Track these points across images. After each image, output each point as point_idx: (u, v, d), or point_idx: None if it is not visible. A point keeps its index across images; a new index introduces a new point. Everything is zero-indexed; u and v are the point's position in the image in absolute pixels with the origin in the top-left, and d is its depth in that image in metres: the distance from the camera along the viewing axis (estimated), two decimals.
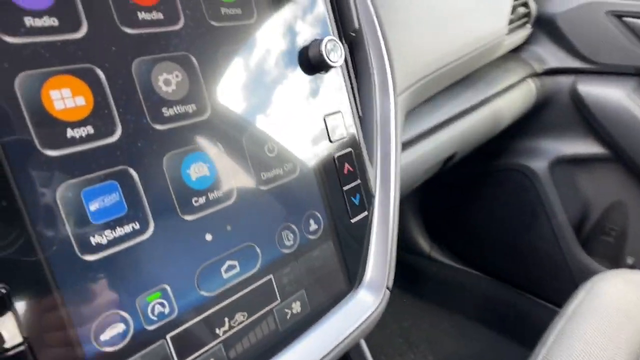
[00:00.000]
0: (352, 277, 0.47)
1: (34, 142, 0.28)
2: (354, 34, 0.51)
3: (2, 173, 0.27)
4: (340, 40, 0.50)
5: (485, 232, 1.43)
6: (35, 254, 0.28)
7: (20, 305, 0.27)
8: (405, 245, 1.57)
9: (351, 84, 0.50)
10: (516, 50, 1.17)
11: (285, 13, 0.43)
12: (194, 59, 0.36)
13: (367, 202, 0.48)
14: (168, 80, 0.34)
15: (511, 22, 1.00)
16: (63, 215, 0.29)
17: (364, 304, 0.45)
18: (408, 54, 0.59)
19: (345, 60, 0.50)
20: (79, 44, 0.30)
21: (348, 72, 0.50)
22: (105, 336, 0.30)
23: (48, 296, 0.28)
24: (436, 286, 1.54)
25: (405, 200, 1.54)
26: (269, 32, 0.41)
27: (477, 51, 0.79)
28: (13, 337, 0.27)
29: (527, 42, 1.19)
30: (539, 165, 1.27)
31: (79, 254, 0.29)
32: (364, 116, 0.52)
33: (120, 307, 0.31)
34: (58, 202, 0.29)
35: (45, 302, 0.28)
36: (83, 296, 0.30)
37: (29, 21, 0.28)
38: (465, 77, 0.92)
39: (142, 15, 0.33)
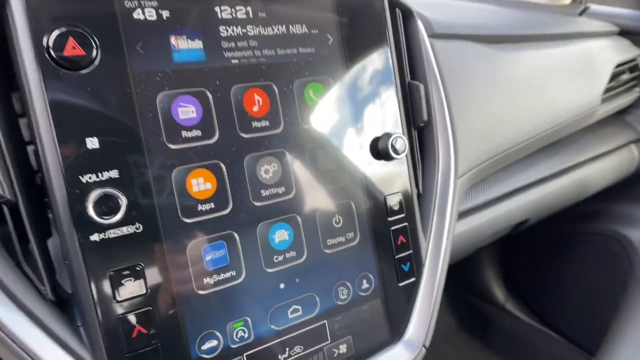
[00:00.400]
0: (395, 331, 0.57)
1: (178, 212, 0.43)
2: (422, 124, 0.61)
3: (158, 235, 0.42)
4: (410, 130, 0.61)
5: (566, 294, 1.42)
6: (170, 291, 0.42)
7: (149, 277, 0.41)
8: (479, 292, 1.59)
9: (414, 167, 0.61)
10: (621, 112, 1.16)
11: (364, 110, 0.55)
12: (287, 154, 0.49)
13: (416, 269, 0.58)
14: (267, 170, 0.48)
15: (611, 89, 1.01)
16: (189, 263, 0.43)
17: (399, 356, 0.55)
18: (477, 139, 0.68)
19: (413, 146, 0.61)
20: (212, 146, 0.45)
21: (413, 157, 0.61)
22: (204, 347, 0.44)
23: (173, 310, 0.43)
24: (506, 338, 1.54)
25: (485, 248, 1.57)
26: (347, 128, 0.53)
27: (556, 127, 0.84)
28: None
29: (634, 104, 1.18)
30: (637, 234, 1.23)
31: (196, 289, 0.44)
32: (424, 194, 0.62)
33: (216, 329, 0.45)
34: (187, 255, 0.43)
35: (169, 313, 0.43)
36: (194, 315, 0.44)
37: (184, 133, 0.44)
38: (550, 144, 0.97)
39: (254, 124, 0.48)
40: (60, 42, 0.38)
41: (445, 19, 0.72)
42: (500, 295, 1.58)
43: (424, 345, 0.57)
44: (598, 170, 1.04)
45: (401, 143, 0.54)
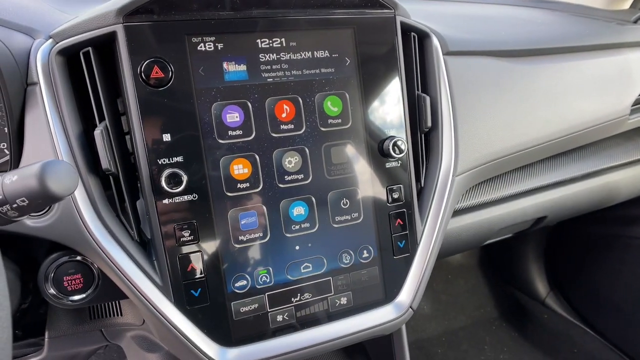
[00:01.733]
0: (388, 294, 0.71)
1: (223, 188, 0.61)
2: (427, 130, 0.74)
3: (209, 202, 0.60)
4: (415, 134, 0.74)
5: (608, 295, 1.45)
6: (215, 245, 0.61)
7: (201, 231, 0.60)
8: (521, 286, 1.66)
9: (419, 164, 0.74)
10: None
11: (371, 119, 0.69)
12: (306, 149, 0.65)
13: (410, 246, 0.72)
14: (290, 161, 0.65)
15: None
16: (229, 224, 0.61)
17: (389, 314, 0.70)
18: (480, 143, 0.79)
19: (417, 147, 0.74)
20: (250, 142, 0.62)
21: (417, 156, 0.74)
22: (237, 284, 0.62)
23: (216, 255, 0.61)
24: (544, 332, 1.59)
25: (529, 244, 1.63)
26: (358, 132, 0.68)
27: (573, 135, 0.92)
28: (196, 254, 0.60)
29: None
30: None
31: (232, 242, 0.62)
32: (425, 187, 0.75)
33: (246, 272, 0.63)
34: (228, 218, 0.61)
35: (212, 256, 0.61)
36: (230, 260, 0.62)
37: (230, 132, 0.61)
38: (577, 148, 1.04)
39: (282, 126, 0.64)
40: (148, 68, 0.57)
41: (464, 36, 0.84)
42: (542, 291, 1.63)
43: (411, 307, 0.71)
44: (630, 177, 1.08)
45: (401, 145, 0.68)
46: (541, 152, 0.91)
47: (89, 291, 0.64)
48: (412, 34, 0.74)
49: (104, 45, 0.58)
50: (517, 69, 0.88)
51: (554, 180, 1.00)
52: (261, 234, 0.64)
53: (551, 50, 0.94)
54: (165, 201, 0.58)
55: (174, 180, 0.57)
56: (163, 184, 0.57)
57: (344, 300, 0.69)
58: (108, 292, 0.65)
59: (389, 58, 0.69)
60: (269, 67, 0.63)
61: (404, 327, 0.83)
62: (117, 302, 0.77)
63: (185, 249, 0.59)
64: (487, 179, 0.89)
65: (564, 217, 1.08)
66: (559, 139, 0.90)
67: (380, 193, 0.70)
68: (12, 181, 0.42)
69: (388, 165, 0.70)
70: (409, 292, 0.71)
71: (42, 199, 0.42)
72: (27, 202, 0.42)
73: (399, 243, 0.71)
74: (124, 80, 0.57)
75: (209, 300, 0.61)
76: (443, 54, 0.78)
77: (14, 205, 0.43)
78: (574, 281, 1.56)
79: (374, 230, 0.70)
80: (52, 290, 0.62)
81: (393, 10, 0.69)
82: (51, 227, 0.58)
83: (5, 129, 0.71)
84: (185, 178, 0.57)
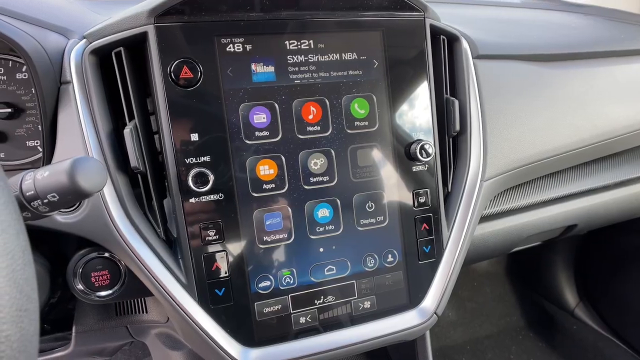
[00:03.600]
0: (413, 299, 0.70)
1: (249, 189, 0.61)
2: (455, 134, 0.73)
3: (234, 202, 0.60)
4: (443, 138, 0.73)
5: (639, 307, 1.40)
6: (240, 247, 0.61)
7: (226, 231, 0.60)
8: (549, 295, 1.62)
9: (446, 168, 0.73)
10: None
11: (398, 122, 0.68)
12: (332, 151, 0.65)
13: (436, 252, 0.71)
14: (316, 163, 0.64)
15: None
16: (254, 224, 0.61)
17: (413, 319, 0.69)
18: (509, 148, 0.78)
19: (445, 151, 0.73)
20: (276, 143, 0.62)
21: (445, 160, 0.73)
22: (260, 284, 0.62)
23: (240, 255, 0.61)
24: (573, 344, 1.55)
25: (558, 254, 1.58)
26: (385, 134, 0.67)
27: (607, 141, 0.89)
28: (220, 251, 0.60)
29: None
30: None
31: (257, 243, 0.62)
32: (452, 192, 0.74)
33: (269, 273, 0.63)
34: (253, 218, 0.61)
35: (238, 255, 0.61)
36: (254, 261, 0.62)
37: (257, 133, 0.61)
38: (610, 155, 1.01)
39: (309, 128, 0.64)
40: (178, 69, 0.57)
41: (494, 39, 0.82)
42: (571, 301, 1.58)
43: (435, 313, 0.70)
44: None
45: (428, 149, 0.67)
46: (572, 159, 0.88)
47: (115, 287, 0.65)
48: (442, 37, 0.73)
49: (135, 45, 0.59)
50: (548, 73, 0.85)
51: (586, 188, 0.97)
52: (286, 235, 0.63)
53: (583, 55, 0.91)
54: (192, 200, 0.59)
55: (201, 179, 0.57)
56: (190, 183, 0.57)
57: (367, 304, 0.68)
58: (134, 289, 0.65)
59: (417, 61, 0.69)
60: (296, 68, 0.63)
61: (427, 334, 0.81)
62: (142, 299, 0.78)
63: (210, 248, 0.60)
64: (516, 185, 0.87)
65: (595, 226, 1.05)
66: (590, 145, 0.88)
67: (407, 197, 0.69)
68: (43, 177, 0.43)
69: (415, 169, 0.69)
70: (433, 298, 0.70)
71: (71, 195, 0.43)
72: (57, 197, 0.43)
73: (424, 248, 0.70)
74: (154, 80, 0.58)
75: (232, 300, 0.61)
76: (473, 58, 0.77)
77: (45, 201, 0.44)
78: (604, 292, 1.51)
79: (399, 235, 0.69)
80: (80, 286, 0.64)
81: (423, 13, 0.68)
82: (80, 223, 0.60)
83: (40, 127, 0.73)
84: (211, 178, 0.58)
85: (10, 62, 0.71)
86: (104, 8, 0.82)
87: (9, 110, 0.70)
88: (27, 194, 0.43)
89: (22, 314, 0.30)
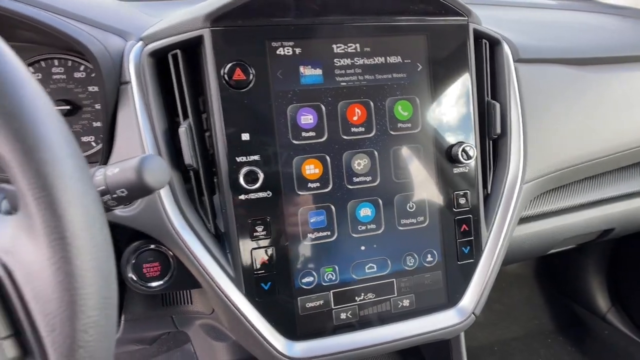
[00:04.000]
0: (451, 298, 0.71)
1: (295, 187, 0.63)
2: (495, 136, 0.74)
3: (281, 200, 0.62)
4: (484, 140, 0.74)
5: None
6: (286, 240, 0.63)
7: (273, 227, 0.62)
8: (580, 299, 1.60)
9: (486, 171, 0.74)
10: None
11: (441, 124, 0.69)
12: (375, 152, 0.67)
13: (475, 253, 0.72)
14: (359, 163, 0.66)
15: None
16: (299, 221, 0.64)
17: (451, 318, 0.70)
18: (549, 151, 0.78)
19: (485, 153, 0.74)
20: (322, 144, 0.64)
21: (485, 162, 0.73)
22: (304, 280, 0.65)
23: (285, 251, 0.63)
24: (604, 349, 1.53)
25: (590, 257, 1.56)
26: (427, 136, 0.69)
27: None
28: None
29: None
30: None
31: (301, 239, 0.64)
32: (492, 194, 0.75)
33: (313, 269, 0.65)
34: (298, 216, 0.64)
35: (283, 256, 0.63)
36: (298, 257, 0.64)
37: (303, 133, 0.63)
38: None
39: (353, 129, 0.66)
40: (231, 71, 0.60)
41: (535, 43, 0.82)
42: (602, 305, 1.56)
43: (473, 313, 0.71)
44: None
45: (470, 151, 0.68)
46: (612, 163, 0.88)
47: (165, 279, 0.68)
48: (484, 40, 0.74)
49: (190, 47, 0.62)
50: (589, 77, 0.85)
51: (625, 192, 0.96)
52: (329, 233, 0.65)
53: (623, 58, 0.91)
54: (242, 197, 0.61)
55: (251, 177, 0.60)
56: (241, 180, 0.59)
57: (406, 303, 0.70)
58: (182, 281, 0.68)
59: (460, 64, 0.70)
60: (343, 71, 0.65)
61: (462, 334, 0.82)
62: (188, 291, 0.82)
63: (258, 244, 0.62)
64: (555, 187, 0.87)
65: (633, 230, 1.04)
66: (631, 149, 0.87)
67: (447, 198, 0.70)
68: (114, 173, 0.46)
69: (456, 170, 0.70)
70: (472, 298, 0.71)
71: (139, 191, 0.46)
72: (125, 193, 0.46)
73: (463, 249, 0.71)
74: (208, 82, 0.60)
75: (277, 294, 0.64)
76: (514, 61, 0.77)
77: (114, 196, 0.46)
78: (637, 297, 1.49)
79: (439, 235, 0.70)
80: (132, 276, 0.67)
81: (466, 18, 0.69)
82: (136, 217, 0.63)
83: (94, 123, 0.76)
84: (261, 176, 0.60)
85: (70, 61, 0.75)
86: (153, 9, 0.85)
87: (68, 107, 0.74)
88: (99, 189, 0.46)
89: (106, 302, 0.33)
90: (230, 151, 0.60)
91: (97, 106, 0.76)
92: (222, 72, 0.60)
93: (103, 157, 0.65)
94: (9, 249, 0.31)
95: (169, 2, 0.94)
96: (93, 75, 0.75)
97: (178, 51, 0.61)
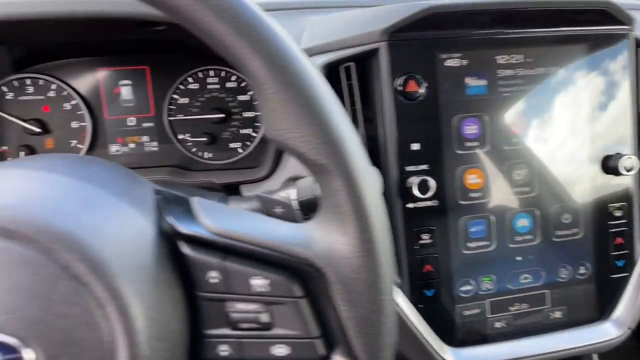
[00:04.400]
0: (603, 312, 0.70)
1: (458, 197, 0.64)
2: None
3: (446, 209, 0.63)
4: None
5: None
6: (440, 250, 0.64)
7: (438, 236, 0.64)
8: None
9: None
10: None
11: (599, 135, 0.68)
12: (535, 162, 0.67)
13: (629, 266, 0.71)
14: (519, 173, 0.66)
15: None
16: (461, 232, 0.65)
17: (606, 332, 0.69)
18: None
19: None
20: (484, 154, 0.65)
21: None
22: (463, 288, 0.66)
23: (448, 260, 0.64)
24: None
25: None
26: (584, 147, 0.68)
27: None
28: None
29: None
30: None
31: (462, 249, 0.65)
32: None
33: (471, 278, 0.66)
34: (460, 225, 0.64)
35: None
36: (459, 265, 0.65)
37: (467, 143, 0.64)
38: None
39: (513, 140, 0.66)
40: (405, 82, 0.61)
41: None
42: None
43: (629, 327, 0.70)
44: None
45: (631, 163, 0.67)
46: None
47: None
48: None
49: (359, 59, 0.64)
50: None
51: None
52: (488, 243, 0.66)
53: None
54: (411, 205, 0.63)
55: (423, 186, 0.61)
56: (414, 190, 0.61)
57: (558, 314, 0.69)
58: None
59: (621, 73, 0.69)
60: (506, 82, 0.65)
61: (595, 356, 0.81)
62: None
63: (424, 252, 0.64)
64: None
65: None
66: None
67: (603, 210, 0.69)
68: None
69: (614, 182, 0.69)
70: (627, 312, 0.70)
71: None
72: None
73: (617, 262, 0.70)
74: (382, 92, 0.62)
75: (439, 301, 0.65)
76: None
77: None
78: None
79: (593, 247, 0.70)
80: None
81: (629, 27, 0.68)
82: None
83: (242, 130, 0.81)
84: (432, 185, 0.61)
85: (223, 72, 0.79)
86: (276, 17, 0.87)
87: (222, 115, 0.78)
88: None
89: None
90: (401, 160, 0.62)
91: (245, 114, 0.80)
92: (395, 83, 0.61)
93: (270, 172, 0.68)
94: (323, 253, 0.33)
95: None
96: (243, 84, 0.79)
97: (353, 63, 0.63)
